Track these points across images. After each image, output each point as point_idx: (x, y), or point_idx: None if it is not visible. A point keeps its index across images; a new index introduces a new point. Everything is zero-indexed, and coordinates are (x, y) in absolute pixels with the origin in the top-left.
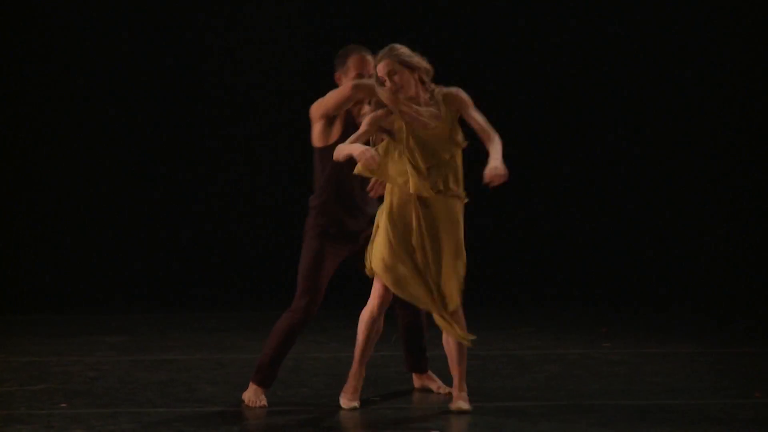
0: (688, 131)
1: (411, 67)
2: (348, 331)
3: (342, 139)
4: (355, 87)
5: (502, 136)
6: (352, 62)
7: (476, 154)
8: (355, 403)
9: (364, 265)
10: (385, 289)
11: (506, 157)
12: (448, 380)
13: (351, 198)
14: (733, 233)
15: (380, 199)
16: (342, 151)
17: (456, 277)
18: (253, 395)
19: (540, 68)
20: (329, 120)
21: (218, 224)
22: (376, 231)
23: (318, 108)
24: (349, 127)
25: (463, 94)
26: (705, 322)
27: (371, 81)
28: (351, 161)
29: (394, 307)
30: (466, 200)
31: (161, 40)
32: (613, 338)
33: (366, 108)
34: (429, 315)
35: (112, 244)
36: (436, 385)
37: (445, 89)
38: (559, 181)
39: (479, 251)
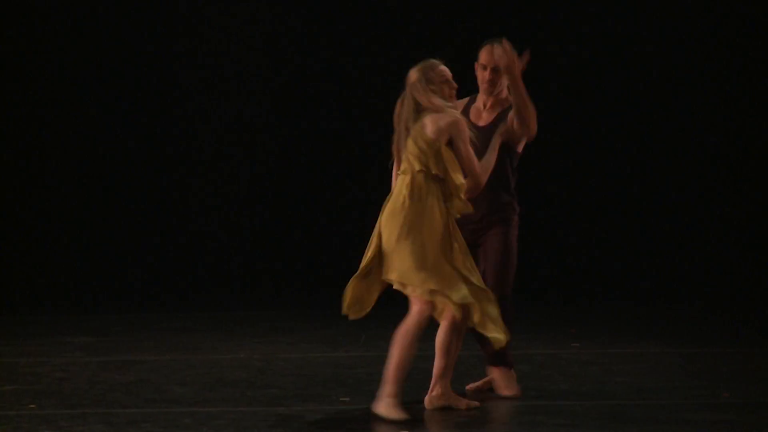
0: (661, 129)
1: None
2: (316, 332)
3: None
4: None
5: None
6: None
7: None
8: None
9: None
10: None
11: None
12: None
13: None
14: (701, 232)
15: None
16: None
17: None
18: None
19: (539, 68)
20: None
21: (187, 226)
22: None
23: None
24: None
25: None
26: (674, 322)
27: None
28: None
29: None
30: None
31: (140, 41)
32: (582, 338)
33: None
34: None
35: (81, 245)
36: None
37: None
38: (528, 181)
39: None
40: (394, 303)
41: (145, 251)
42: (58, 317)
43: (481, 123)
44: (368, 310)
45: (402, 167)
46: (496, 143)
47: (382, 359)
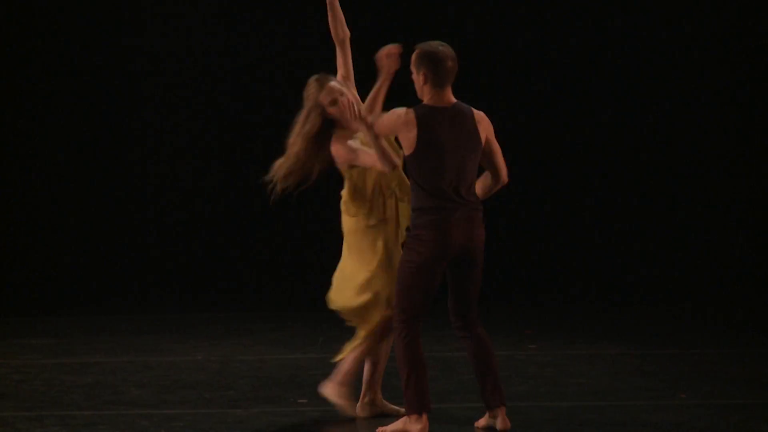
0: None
1: None
2: (274, 333)
3: None
4: None
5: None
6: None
7: None
8: None
9: None
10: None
11: None
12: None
13: None
14: (660, 233)
15: None
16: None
17: None
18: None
19: (540, 68)
20: None
21: (142, 229)
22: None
23: None
24: None
25: None
26: (630, 324)
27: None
28: None
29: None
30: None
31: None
32: (538, 340)
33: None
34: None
35: (38, 247)
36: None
37: None
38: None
39: None
40: None
41: (101, 254)
42: (14, 319)
43: None
44: None
45: None
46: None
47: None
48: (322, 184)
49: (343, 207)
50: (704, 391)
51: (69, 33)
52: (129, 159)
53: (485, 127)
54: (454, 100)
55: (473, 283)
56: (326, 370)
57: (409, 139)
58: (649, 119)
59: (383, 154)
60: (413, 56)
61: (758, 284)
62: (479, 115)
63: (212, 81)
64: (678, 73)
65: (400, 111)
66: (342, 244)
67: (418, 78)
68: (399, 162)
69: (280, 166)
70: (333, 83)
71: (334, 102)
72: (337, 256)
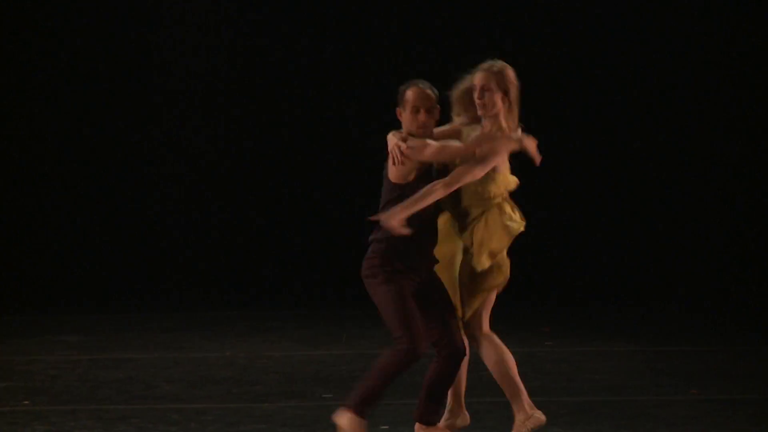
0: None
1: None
2: (299, 331)
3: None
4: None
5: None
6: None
7: None
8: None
9: None
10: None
11: None
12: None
13: None
14: (671, 235)
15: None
16: None
17: None
18: (356, 426)
19: (540, 67)
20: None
21: (174, 230)
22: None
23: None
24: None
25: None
26: (642, 322)
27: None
28: None
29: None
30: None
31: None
32: (555, 337)
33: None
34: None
35: (72, 248)
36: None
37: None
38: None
39: None
40: (374, 304)
41: (134, 254)
42: (51, 317)
43: None
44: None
45: None
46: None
47: (362, 357)
48: (348, 185)
49: None
50: (715, 388)
51: (83, 27)
52: (158, 159)
53: None
54: None
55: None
56: (350, 366)
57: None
58: (663, 118)
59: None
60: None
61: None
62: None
63: (230, 76)
64: (678, 74)
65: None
66: None
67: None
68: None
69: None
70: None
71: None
72: (359, 255)
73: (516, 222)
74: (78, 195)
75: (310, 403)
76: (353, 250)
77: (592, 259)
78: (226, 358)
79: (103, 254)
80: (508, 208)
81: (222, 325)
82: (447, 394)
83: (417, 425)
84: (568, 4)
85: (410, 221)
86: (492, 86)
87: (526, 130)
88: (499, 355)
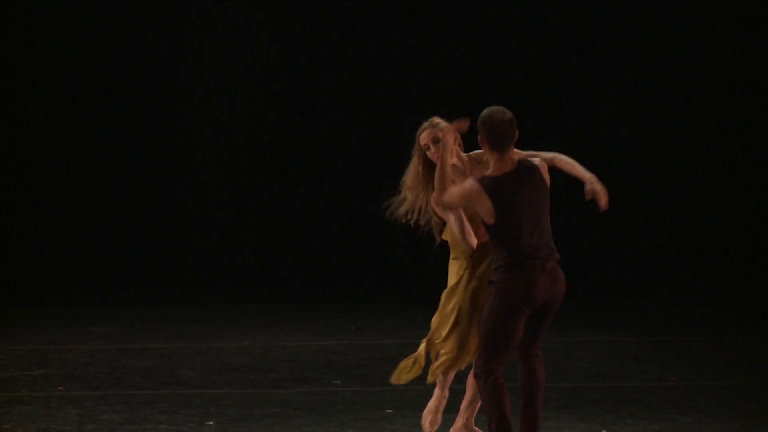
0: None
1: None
2: (311, 322)
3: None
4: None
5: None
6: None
7: None
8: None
9: None
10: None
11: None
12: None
13: None
14: (656, 225)
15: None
16: None
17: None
18: None
19: (543, 67)
20: None
21: (197, 230)
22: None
23: None
24: None
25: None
26: (626, 314)
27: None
28: None
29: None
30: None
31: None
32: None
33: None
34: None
35: (105, 246)
36: None
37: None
38: None
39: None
40: (381, 296)
41: (159, 251)
42: (83, 310)
43: None
44: None
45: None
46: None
47: (369, 347)
48: (356, 182)
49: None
50: (691, 374)
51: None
52: (181, 159)
53: (545, 172)
54: (516, 158)
55: (544, 326)
56: (358, 354)
57: (487, 209)
58: (669, 117)
59: (464, 231)
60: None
61: (743, 277)
62: (540, 164)
63: (263, 78)
64: (678, 74)
65: (468, 184)
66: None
67: (480, 140)
68: (475, 243)
69: (397, 205)
70: (438, 125)
71: (435, 140)
72: (367, 251)
73: None
74: (108, 198)
75: (321, 389)
76: (362, 248)
77: (578, 256)
78: (244, 347)
79: (133, 252)
80: None
81: (240, 317)
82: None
83: None
84: (570, 4)
85: None
86: (440, 136)
87: (530, 131)
88: None
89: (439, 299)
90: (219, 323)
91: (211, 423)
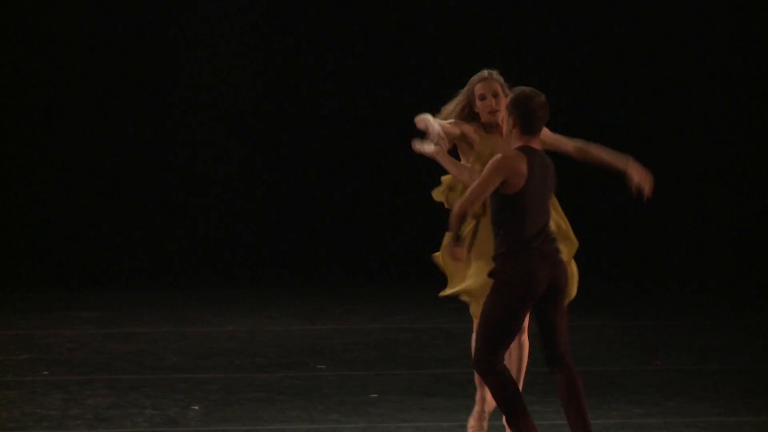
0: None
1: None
2: (296, 307)
3: None
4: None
5: None
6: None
7: None
8: None
9: None
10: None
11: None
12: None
13: None
14: (642, 209)
15: None
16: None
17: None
18: None
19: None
20: None
21: (181, 214)
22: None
23: None
24: None
25: None
26: (610, 298)
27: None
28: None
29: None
30: None
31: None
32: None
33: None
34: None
35: (88, 229)
36: None
37: None
38: None
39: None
40: (366, 280)
41: (144, 236)
42: (67, 294)
43: None
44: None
45: None
46: None
47: (355, 331)
48: (340, 167)
49: None
50: (676, 359)
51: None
52: (166, 144)
53: None
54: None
55: (560, 314)
56: (343, 339)
57: (519, 178)
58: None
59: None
60: (508, 101)
61: (728, 262)
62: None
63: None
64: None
65: (511, 154)
66: None
67: (508, 121)
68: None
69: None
70: (495, 83)
71: (495, 94)
72: (354, 235)
73: None
74: (93, 182)
75: (306, 373)
76: (348, 232)
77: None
78: (229, 332)
79: (117, 236)
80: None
81: (226, 302)
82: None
83: None
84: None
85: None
86: (500, 92)
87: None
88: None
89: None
90: (204, 308)
91: (197, 407)
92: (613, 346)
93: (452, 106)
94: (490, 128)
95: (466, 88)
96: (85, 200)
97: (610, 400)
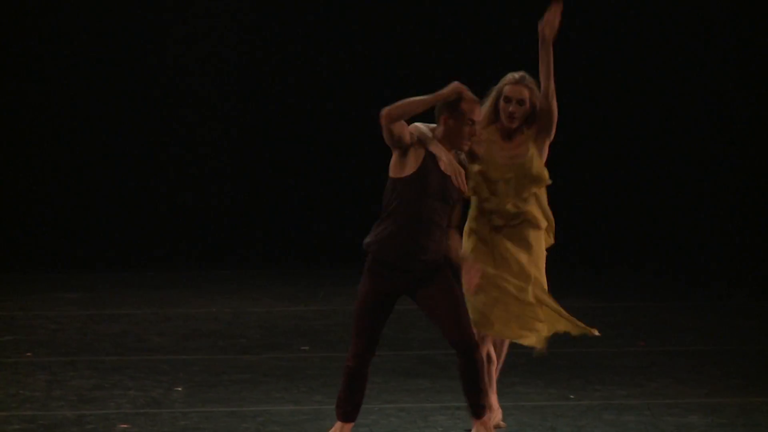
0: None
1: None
2: (280, 288)
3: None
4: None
5: None
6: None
7: None
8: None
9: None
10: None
11: None
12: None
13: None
14: (627, 192)
15: None
16: None
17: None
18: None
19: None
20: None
21: (164, 196)
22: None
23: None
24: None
25: None
26: (594, 280)
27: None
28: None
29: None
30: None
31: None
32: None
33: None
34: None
35: (72, 210)
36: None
37: None
38: None
39: None
40: (349, 261)
41: (128, 217)
42: (51, 275)
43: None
44: None
45: None
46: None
47: (337, 313)
48: (321, 151)
49: None
50: (659, 340)
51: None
52: (153, 126)
53: None
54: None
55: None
56: (326, 320)
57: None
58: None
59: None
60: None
61: (713, 244)
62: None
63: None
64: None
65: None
66: None
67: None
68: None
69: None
70: (524, 89)
71: (507, 100)
72: (337, 217)
73: None
74: (76, 162)
75: (289, 354)
76: (331, 215)
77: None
78: (213, 313)
79: (101, 217)
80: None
81: (209, 283)
82: (483, 387)
83: (474, 421)
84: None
85: (398, 218)
86: (527, 99)
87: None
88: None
89: None
90: (187, 289)
91: (180, 389)
92: (597, 327)
93: (485, 107)
94: (505, 133)
95: (497, 86)
96: (69, 182)
97: (594, 381)
